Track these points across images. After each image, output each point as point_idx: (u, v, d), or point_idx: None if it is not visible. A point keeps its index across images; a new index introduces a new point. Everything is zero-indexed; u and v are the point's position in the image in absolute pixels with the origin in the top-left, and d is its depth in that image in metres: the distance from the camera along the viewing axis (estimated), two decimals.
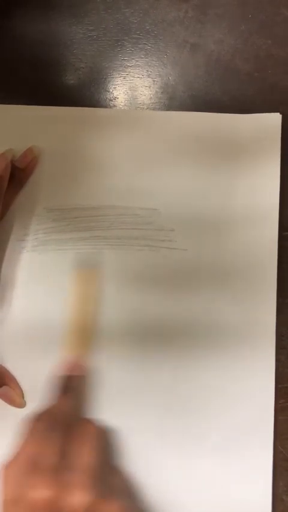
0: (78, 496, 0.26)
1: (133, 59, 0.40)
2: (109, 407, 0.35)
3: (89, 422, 0.31)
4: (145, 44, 0.40)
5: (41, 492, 0.26)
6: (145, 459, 0.34)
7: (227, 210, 0.37)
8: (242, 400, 0.34)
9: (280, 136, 0.37)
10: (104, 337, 0.36)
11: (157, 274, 0.36)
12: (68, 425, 0.30)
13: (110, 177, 0.38)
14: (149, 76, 0.40)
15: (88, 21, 0.41)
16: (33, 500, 0.26)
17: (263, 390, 0.34)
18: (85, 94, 0.40)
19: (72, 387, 0.32)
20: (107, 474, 0.29)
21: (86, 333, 0.34)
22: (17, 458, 0.29)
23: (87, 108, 0.39)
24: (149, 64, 0.40)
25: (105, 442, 0.32)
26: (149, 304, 0.36)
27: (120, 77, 0.40)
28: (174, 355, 0.35)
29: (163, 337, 0.35)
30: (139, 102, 0.40)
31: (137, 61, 0.40)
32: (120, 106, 0.40)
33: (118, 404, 0.35)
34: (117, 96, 0.40)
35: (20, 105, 0.39)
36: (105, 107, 0.40)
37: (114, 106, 0.40)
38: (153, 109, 0.39)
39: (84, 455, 0.28)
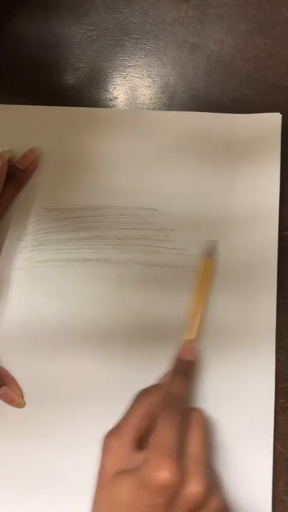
0: (195, 485, 0.26)
1: (133, 59, 0.40)
2: (108, 407, 0.35)
3: (200, 411, 0.31)
4: (145, 44, 0.40)
5: (166, 473, 0.26)
6: None
7: (227, 210, 0.37)
8: (242, 400, 0.34)
9: (280, 136, 0.37)
10: (104, 336, 0.36)
11: (157, 274, 0.36)
12: (183, 410, 0.30)
13: (110, 177, 0.38)
14: (149, 76, 0.40)
15: (88, 21, 0.41)
16: (156, 481, 0.26)
17: (263, 390, 0.34)
18: (85, 94, 0.40)
19: (190, 372, 0.33)
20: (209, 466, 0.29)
21: (201, 320, 0.35)
22: (122, 428, 0.29)
23: (87, 108, 0.39)
24: (149, 64, 0.40)
25: (209, 435, 0.33)
26: (149, 304, 0.36)
27: (120, 77, 0.40)
28: (173, 355, 0.35)
29: (163, 337, 0.35)
30: (139, 102, 0.40)
31: (137, 61, 0.40)
32: (120, 106, 0.40)
33: (118, 404, 0.34)
34: (117, 96, 0.40)
35: (20, 105, 0.39)
36: (105, 107, 0.40)
37: (114, 106, 0.40)
38: (153, 109, 0.39)
39: (199, 445, 0.28)
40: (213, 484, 0.28)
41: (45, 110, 0.39)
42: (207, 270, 0.36)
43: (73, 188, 0.38)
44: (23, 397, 0.35)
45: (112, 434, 0.29)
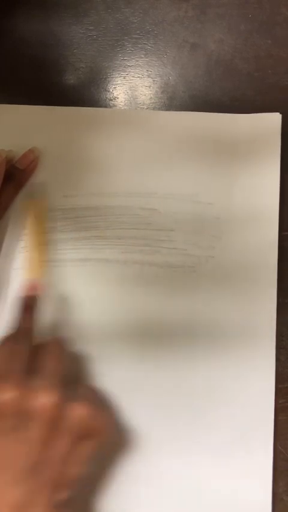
0: (44, 397, 0.27)
1: (133, 58, 0.40)
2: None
3: (55, 337, 0.33)
4: (145, 43, 0.40)
5: (7, 394, 0.27)
6: (145, 459, 0.34)
7: (227, 210, 0.37)
8: (242, 400, 0.34)
9: (280, 136, 0.37)
10: (104, 336, 0.36)
11: (157, 274, 0.36)
12: (33, 340, 0.31)
13: (110, 177, 0.38)
14: (149, 76, 0.40)
15: (88, 21, 0.41)
16: (1, 403, 0.26)
17: (263, 390, 0.34)
18: (85, 94, 0.40)
19: (32, 306, 0.33)
20: (73, 382, 0.29)
21: (40, 256, 0.36)
22: None
23: (87, 108, 0.39)
24: (149, 64, 0.40)
25: (70, 354, 0.34)
26: (149, 304, 0.36)
27: (120, 76, 0.40)
28: (173, 355, 0.35)
29: (163, 337, 0.35)
30: (139, 102, 0.40)
31: (137, 61, 0.40)
32: (120, 106, 0.40)
33: (118, 403, 0.35)
34: (117, 96, 0.40)
35: (20, 105, 0.39)
36: (105, 106, 0.40)
37: (114, 106, 0.40)
38: (153, 109, 0.39)
39: (49, 363, 0.29)
40: (80, 395, 0.28)
41: (45, 109, 0.39)
42: (38, 211, 0.37)
43: (73, 188, 0.38)
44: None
45: None
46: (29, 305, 0.33)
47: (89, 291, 0.36)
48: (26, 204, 0.37)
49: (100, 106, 0.40)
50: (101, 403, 0.33)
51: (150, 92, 0.40)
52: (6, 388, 0.27)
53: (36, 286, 0.35)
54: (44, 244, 0.37)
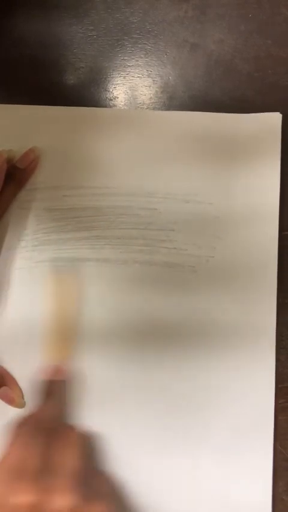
0: (61, 499, 0.26)
1: (133, 58, 0.40)
2: (109, 407, 0.35)
3: (70, 427, 0.31)
4: (145, 43, 0.40)
5: (23, 497, 0.25)
6: (145, 459, 0.34)
7: (227, 210, 0.37)
8: (242, 400, 0.34)
9: (280, 136, 0.37)
10: (104, 337, 0.36)
11: (157, 274, 0.36)
12: (50, 431, 0.29)
13: (110, 176, 0.38)
14: (149, 76, 0.40)
15: (88, 21, 0.41)
16: (16, 506, 0.25)
17: (263, 390, 0.34)
18: (85, 94, 0.40)
19: (54, 392, 0.32)
20: (91, 478, 0.28)
21: (67, 337, 0.34)
22: (0, 465, 0.28)
23: (87, 108, 0.39)
24: (149, 64, 0.40)
25: (87, 447, 0.32)
26: (149, 304, 0.36)
27: (120, 76, 0.40)
28: (174, 355, 0.35)
29: (163, 337, 0.35)
30: (139, 102, 0.40)
31: (137, 61, 0.40)
32: (120, 106, 0.40)
33: (118, 404, 0.35)
34: (117, 96, 0.40)
35: (20, 105, 0.39)
36: (105, 106, 0.40)
37: (114, 106, 0.40)
38: (153, 109, 0.39)
39: (66, 460, 0.28)
40: (98, 493, 0.27)
41: (45, 109, 0.39)
42: (67, 286, 0.35)
43: (73, 188, 0.38)
44: (23, 398, 0.35)
45: None
46: (51, 391, 0.32)
47: (89, 291, 0.36)
48: (56, 279, 0.35)
49: (100, 106, 0.39)
50: (120, 499, 0.32)
51: (150, 92, 0.40)
52: (22, 489, 0.26)
53: (60, 370, 0.33)
54: (70, 322, 0.35)
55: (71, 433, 0.30)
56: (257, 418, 0.34)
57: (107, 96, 0.40)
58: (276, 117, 0.38)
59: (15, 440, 0.29)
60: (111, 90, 0.40)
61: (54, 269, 0.35)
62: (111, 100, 0.40)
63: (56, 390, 0.32)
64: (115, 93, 0.40)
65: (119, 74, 0.40)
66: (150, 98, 0.40)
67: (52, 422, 0.30)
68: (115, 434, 0.34)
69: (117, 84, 0.40)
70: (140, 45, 0.40)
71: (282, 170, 0.37)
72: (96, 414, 0.35)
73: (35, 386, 0.32)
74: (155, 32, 0.40)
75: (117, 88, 0.40)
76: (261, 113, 0.38)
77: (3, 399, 0.34)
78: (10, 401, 0.34)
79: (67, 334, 0.34)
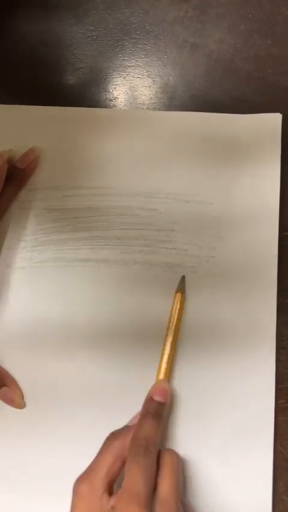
0: None
1: (133, 59, 0.40)
2: (109, 407, 0.35)
3: (172, 452, 0.30)
4: (145, 44, 0.40)
5: None
6: None
7: (227, 210, 0.37)
8: (242, 401, 0.34)
9: (280, 136, 0.37)
10: (104, 336, 0.36)
11: (157, 275, 0.36)
12: (157, 454, 0.29)
13: (110, 177, 0.38)
14: (149, 76, 0.40)
15: (88, 21, 0.41)
16: None
17: (263, 390, 0.34)
18: (85, 94, 0.40)
19: (159, 414, 0.31)
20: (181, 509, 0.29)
21: (172, 360, 0.34)
22: (92, 474, 0.29)
23: (87, 108, 0.39)
24: (149, 64, 0.40)
25: (182, 475, 0.32)
26: (149, 304, 0.36)
27: (120, 77, 0.40)
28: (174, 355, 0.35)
29: (163, 337, 0.35)
30: (139, 102, 0.40)
31: (137, 61, 0.40)
32: (120, 106, 0.40)
33: (118, 404, 0.35)
34: (117, 96, 0.40)
35: (20, 105, 0.39)
36: (105, 107, 0.40)
37: (114, 106, 0.40)
38: (153, 109, 0.39)
39: (169, 489, 0.28)
40: None
41: (45, 110, 0.39)
42: (181, 306, 0.35)
43: (73, 188, 0.38)
44: (23, 398, 0.35)
45: (83, 479, 0.29)
46: (155, 412, 0.31)
47: (89, 292, 0.36)
48: (176, 296, 0.35)
49: (100, 106, 0.40)
50: None
51: (150, 92, 0.40)
52: None
53: (166, 391, 0.33)
54: (176, 343, 0.35)
55: (172, 457, 0.30)
56: (257, 418, 0.34)
57: (107, 96, 0.40)
58: (276, 117, 0.38)
59: (108, 451, 0.29)
60: (111, 90, 0.40)
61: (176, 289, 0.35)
62: (111, 100, 0.40)
63: (163, 413, 0.32)
64: (115, 93, 0.40)
65: (119, 74, 0.40)
66: (150, 98, 0.40)
67: (158, 445, 0.30)
68: None
69: (117, 84, 0.40)
70: (140, 46, 0.40)
71: (282, 170, 0.37)
72: (96, 414, 0.35)
73: (145, 404, 0.32)
74: (155, 32, 0.40)
75: (117, 88, 0.40)
76: (262, 113, 0.38)
77: (3, 399, 0.34)
78: (10, 402, 0.34)
79: (173, 351, 0.35)
